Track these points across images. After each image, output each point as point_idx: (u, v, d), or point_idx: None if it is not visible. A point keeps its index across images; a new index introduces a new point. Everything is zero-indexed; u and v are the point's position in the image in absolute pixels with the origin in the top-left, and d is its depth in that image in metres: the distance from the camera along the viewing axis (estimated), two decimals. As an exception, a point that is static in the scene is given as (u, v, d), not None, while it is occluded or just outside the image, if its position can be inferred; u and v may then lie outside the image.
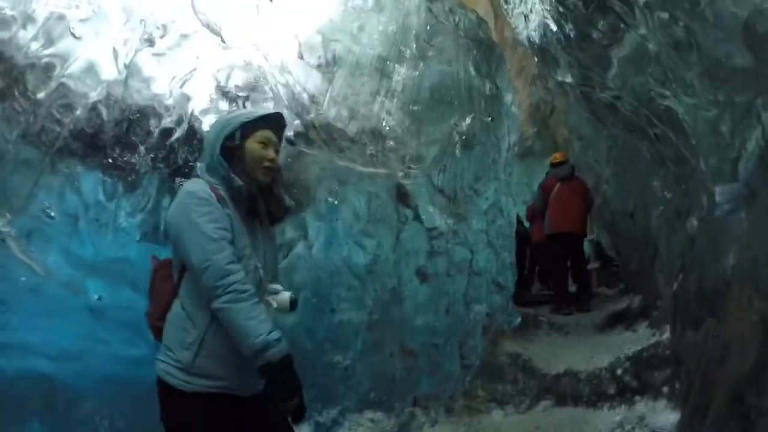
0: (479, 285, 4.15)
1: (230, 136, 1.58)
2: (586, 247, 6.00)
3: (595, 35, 2.93)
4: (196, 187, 1.51)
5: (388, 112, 4.25)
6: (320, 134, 3.87)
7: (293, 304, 1.57)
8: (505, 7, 4.22)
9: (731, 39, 1.97)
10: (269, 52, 3.67)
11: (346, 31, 4.02)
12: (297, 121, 3.70)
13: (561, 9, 3.05)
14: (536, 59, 3.84)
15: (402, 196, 3.98)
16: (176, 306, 1.52)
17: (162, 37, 3.02)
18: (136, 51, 2.83)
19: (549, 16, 3.28)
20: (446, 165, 4.28)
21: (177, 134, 3.23)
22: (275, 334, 1.41)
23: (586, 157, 5.46)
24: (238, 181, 1.54)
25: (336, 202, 3.72)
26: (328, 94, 3.93)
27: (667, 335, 3.15)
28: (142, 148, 3.02)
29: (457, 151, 4.41)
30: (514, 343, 3.94)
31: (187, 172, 3.29)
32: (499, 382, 3.67)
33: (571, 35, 3.09)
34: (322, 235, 3.54)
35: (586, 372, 3.35)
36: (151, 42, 2.93)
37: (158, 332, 1.55)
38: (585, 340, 4.02)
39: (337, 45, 3.99)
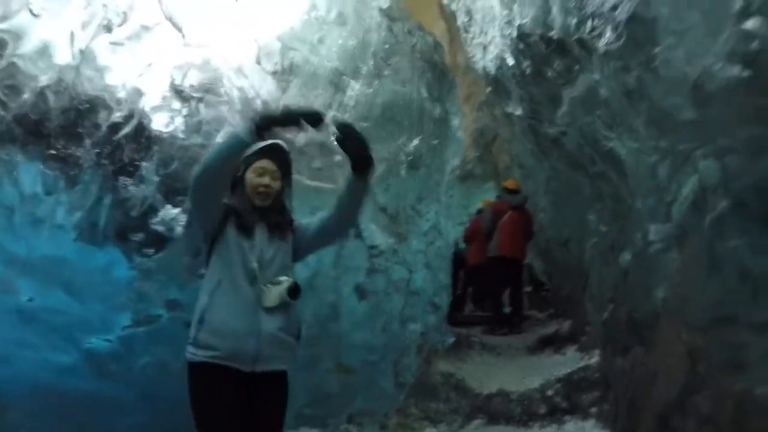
0: (415, 304, 4.22)
1: (237, 169, 1.88)
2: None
3: (550, 74, 3.11)
4: None
5: None
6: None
7: (292, 291, 1.77)
8: (464, 35, 4.38)
9: (680, 94, 2.18)
10: (228, 53, 3.59)
11: (306, 40, 4.00)
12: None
13: (521, 46, 3.22)
14: (488, 89, 4.01)
15: None
16: None
17: (121, 25, 2.88)
18: (94, 37, 2.67)
19: (508, 51, 3.45)
20: (390, 184, 4.32)
21: (125, 130, 3.08)
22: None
23: (526, 185, 5.76)
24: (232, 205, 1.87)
25: None
26: (280, 102, 3.90)
27: (595, 359, 3.36)
28: (88, 142, 2.85)
29: (402, 171, 4.46)
30: (447, 363, 4.03)
31: (132, 171, 3.15)
32: (433, 400, 3.74)
33: (527, 71, 3.27)
34: None
35: (517, 392, 3.50)
36: (109, 29, 2.79)
37: None
38: (516, 362, 4.20)
39: (296, 54, 3.96)
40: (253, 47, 3.78)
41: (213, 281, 1.78)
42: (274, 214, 1.91)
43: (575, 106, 3.12)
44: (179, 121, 3.36)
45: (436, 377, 3.82)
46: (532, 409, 3.30)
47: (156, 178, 3.21)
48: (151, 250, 3.05)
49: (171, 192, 3.23)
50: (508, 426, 3.37)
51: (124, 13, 3.00)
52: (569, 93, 3.10)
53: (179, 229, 3.14)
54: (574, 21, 2.65)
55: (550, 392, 3.32)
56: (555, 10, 2.86)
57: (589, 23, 2.56)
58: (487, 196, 6.63)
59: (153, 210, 3.15)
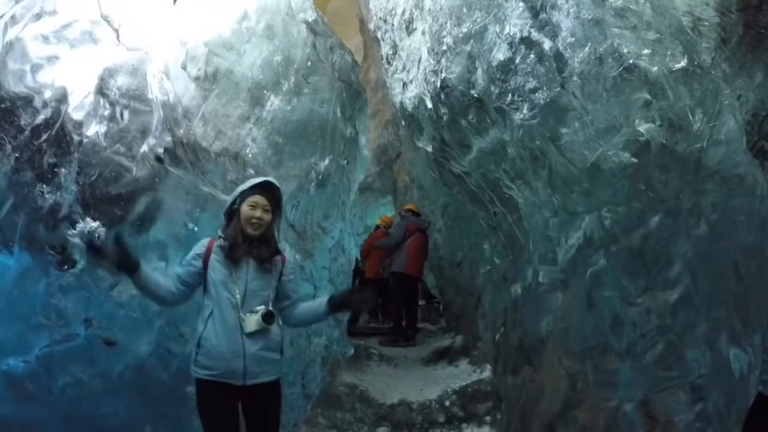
0: (320, 319, 4.44)
1: (233, 203, 2.31)
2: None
3: (464, 123, 3.53)
4: (204, 241, 2.35)
5: (254, 140, 4.21)
6: (187, 153, 3.77)
7: (266, 317, 2.15)
8: (386, 66, 4.66)
9: (577, 169, 2.71)
10: (158, 56, 3.50)
11: (233, 49, 3.95)
12: (168, 138, 3.56)
13: (442, 95, 3.60)
14: (403, 122, 4.35)
15: None
16: None
17: (53, 18, 2.70)
18: (24, 27, 2.49)
19: (428, 95, 3.82)
20: (300, 201, 4.45)
21: (48, 133, 2.92)
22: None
23: (422, 204, 6.26)
24: (222, 240, 2.28)
25: (195, 228, 3.65)
26: (200, 110, 3.83)
27: (487, 373, 3.88)
28: (8, 146, 2.67)
29: (311, 189, 4.57)
30: (350, 374, 4.32)
31: (51, 179, 2.98)
32: (339, 410, 4.00)
33: (444, 117, 3.66)
34: (178, 261, 3.47)
35: (417, 402, 3.90)
36: (41, 23, 2.61)
37: None
38: (413, 373, 4.62)
39: (221, 62, 3.92)
40: (180, 51, 3.70)
41: (207, 310, 2.16)
42: (263, 247, 2.25)
43: (483, 155, 3.56)
44: (102, 128, 3.24)
45: (340, 388, 4.09)
46: (432, 418, 3.72)
47: (75, 187, 3.07)
48: (68, 265, 2.92)
49: (91, 203, 3.10)
50: (411, 433, 3.74)
51: (57, 10, 2.84)
52: (479, 143, 3.53)
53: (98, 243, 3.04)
54: (496, 91, 3.08)
55: (447, 402, 3.76)
56: (480, 73, 3.28)
57: (509, 96, 3.01)
58: (384, 210, 7.03)
59: (71, 221, 3.01)
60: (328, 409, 3.99)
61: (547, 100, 2.71)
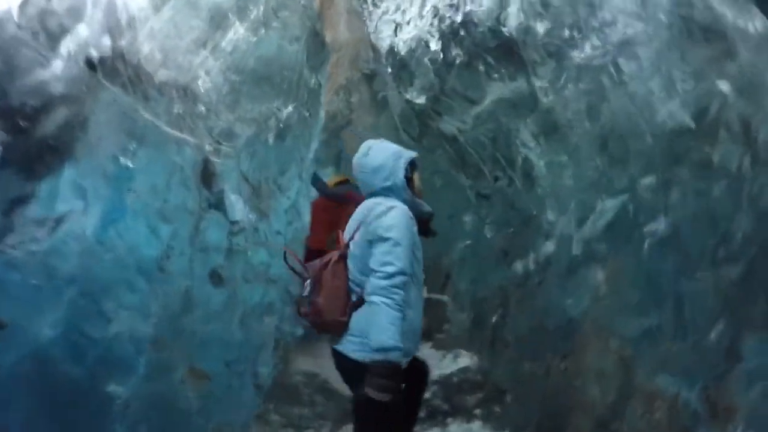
0: (273, 293, 3.69)
1: (406, 168, 1.99)
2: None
3: (482, 68, 3.03)
4: (405, 208, 1.91)
5: (208, 72, 3.43)
6: (128, 69, 2.84)
7: None
8: (371, 9, 3.97)
9: (637, 124, 2.34)
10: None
11: None
12: (108, 42, 2.60)
13: (461, 32, 3.05)
14: (388, 69, 3.72)
15: (208, 175, 3.21)
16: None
17: None
18: None
19: (435, 35, 3.23)
20: (257, 150, 3.68)
21: None
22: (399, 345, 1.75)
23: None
24: (428, 207, 2.05)
25: (130, 165, 2.71)
26: (148, 24, 2.93)
27: (467, 360, 3.42)
28: None
29: (270, 139, 3.88)
30: (306, 360, 3.59)
31: None
32: (296, 404, 3.27)
33: (456, 61, 3.13)
34: (102, 208, 2.49)
35: (390, 394, 3.29)
36: None
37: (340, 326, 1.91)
38: None
39: (181, -30, 3.01)
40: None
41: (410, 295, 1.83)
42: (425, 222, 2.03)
43: (499, 107, 3.11)
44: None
45: (296, 377, 3.34)
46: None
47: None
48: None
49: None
50: None
51: None
52: (497, 92, 3.06)
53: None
54: (546, 26, 2.61)
55: (427, 394, 3.22)
56: (513, 9, 2.79)
57: (565, 32, 2.55)
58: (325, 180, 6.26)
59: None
60: (283, 404, 3.24)
61: (624, 35, 2.29)
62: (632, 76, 2.44)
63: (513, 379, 3.00)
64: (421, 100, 3.57)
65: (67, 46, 2.31)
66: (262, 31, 3.55)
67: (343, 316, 1.88)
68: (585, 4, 2.51)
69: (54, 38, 2.29)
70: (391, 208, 1.87)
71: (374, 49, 4.09)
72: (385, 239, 1.81)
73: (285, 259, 2.27)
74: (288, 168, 4.00)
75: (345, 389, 3.37)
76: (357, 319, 1.87)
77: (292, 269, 2.25)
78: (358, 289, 1.88)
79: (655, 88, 2.39)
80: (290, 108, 3.85)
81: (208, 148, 3.19)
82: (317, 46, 4.11)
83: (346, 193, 5.35)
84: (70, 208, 2.22)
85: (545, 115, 2.85)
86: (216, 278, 3.13)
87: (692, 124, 2.37)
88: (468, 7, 2.96)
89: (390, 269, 1.76)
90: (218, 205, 3.20)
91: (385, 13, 3.78)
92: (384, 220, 1.85)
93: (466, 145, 3.49)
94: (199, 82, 3.17)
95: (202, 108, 3.19)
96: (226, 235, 3.21)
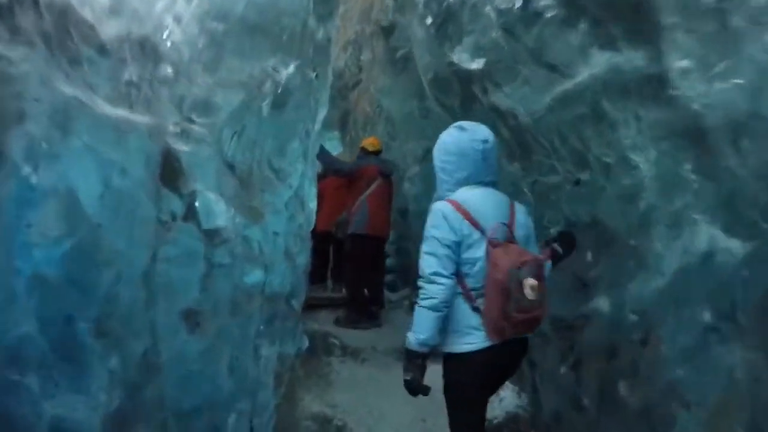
0: (272, 315, 2.89)
1: None
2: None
3: (583, 25, 2.09)
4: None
5: (177, 20, 2.46)
6: (44, 19, 1.93)
7: None
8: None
9: None
10: None
11: None
12: None
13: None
14: (427, 20, 2.78)
15: (171, 172, 2.24)
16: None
17: None
18: None
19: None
20: (246, 126, 2.77)
21: None
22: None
23: (390, 146, 4.68)
24: None
25: (34, 180, 1.84)
26: None
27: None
28: None
29: (264, 109, 2.93)
30: (315, 398, 2.87)
31: None
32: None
33: (545, 14, 2.21)
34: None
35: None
36: None
37: None
38: (395, 378, 3.04)
39: None
40: None
41: None
42: None
43: (601, 86, 2.17)
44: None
45: (305, 424, 2.64)
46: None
47: None
48: None
49: None
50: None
51: None
52: (605, 64, 2.12)
53: None
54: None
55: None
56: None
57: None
58: (329, 146, 5.36)
59: None
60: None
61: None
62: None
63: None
64: (476, 64, 2.64)
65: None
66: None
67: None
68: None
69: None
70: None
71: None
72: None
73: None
74: (288, 145, 3.09)
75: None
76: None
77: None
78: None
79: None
80: (292, 67, 2.89)
81: (172, 130, 2.28)
82: (323, -6, 3.10)
83: (362, 167, 4.52)
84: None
85: (675, 110, 1.90)
86: (191, 320, 2.30)
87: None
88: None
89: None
90: (191, 212, 2.30)
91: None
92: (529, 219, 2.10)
93: (534, 131, 2.58)
94: (165, 35, 2.26)
95: (168, 70, 2.27)
96: (202, 254, 2.33)
